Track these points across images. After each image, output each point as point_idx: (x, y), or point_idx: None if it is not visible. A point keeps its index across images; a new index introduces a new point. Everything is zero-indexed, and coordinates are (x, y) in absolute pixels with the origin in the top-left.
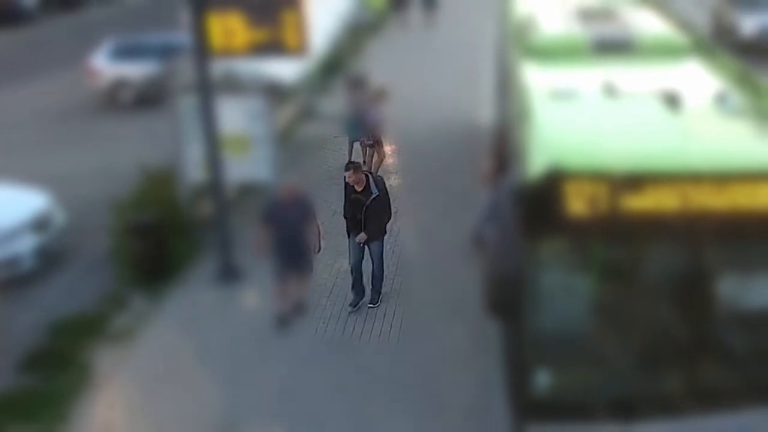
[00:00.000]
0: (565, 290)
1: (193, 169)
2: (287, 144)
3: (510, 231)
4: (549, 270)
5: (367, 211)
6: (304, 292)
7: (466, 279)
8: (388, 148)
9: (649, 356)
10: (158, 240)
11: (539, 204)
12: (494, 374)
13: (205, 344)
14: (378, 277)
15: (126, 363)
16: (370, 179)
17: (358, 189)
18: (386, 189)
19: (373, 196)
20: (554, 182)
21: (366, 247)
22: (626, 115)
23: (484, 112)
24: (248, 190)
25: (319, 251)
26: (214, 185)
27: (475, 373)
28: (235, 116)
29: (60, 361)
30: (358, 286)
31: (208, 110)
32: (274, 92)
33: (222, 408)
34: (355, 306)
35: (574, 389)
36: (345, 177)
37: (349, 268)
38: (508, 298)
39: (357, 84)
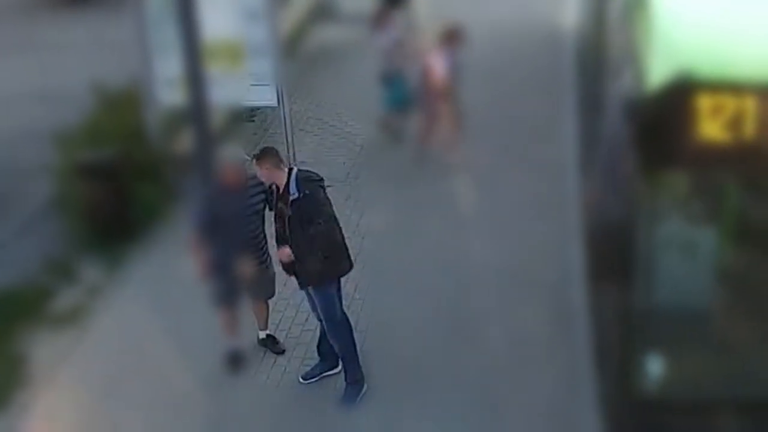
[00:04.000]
0: (692, 247)
1: (166, 89)
2: (295, 54)
3: (618, 164)
4: (671, 218)
5: (290, 229)
6: (265, 322)
7: (544, 239)
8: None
9: None
10: (118, 185)
11: (660, 126)
12: (580, 367)
13: (181, 327)
14: (345, 354)
15: (75, 353)
16: (292, 173)
17: (281, 191)
18: (316, 189)
19: (291, 199)
20: (681, 97)
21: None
22: None
23: (568, 13)
24: (241, 118)
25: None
26: (195, 111)
27: (553, 366)
28: (224, 15)
29: None
30: (321, 347)
31: (186, 7)
32: None
33: (201, 412)
34: (305, 379)
35: (698, 383)
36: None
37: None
38: (615, 257)
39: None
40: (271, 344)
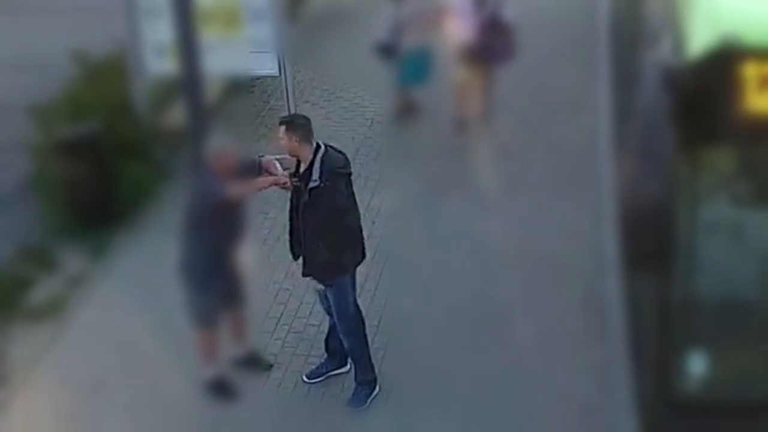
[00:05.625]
0: (739, 231)
1: (155, 57)
2: (299, 17)
3: (657, 140)
4: (716, 199)
5: (304, 213)
6: (243, 338)
7: (575, 222)
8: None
9: None
10: (102, 163)
11: (702, 98)
12: (615, 364)
13: (172, 321)
14: (356, 351)
15: (54, 350)
16: (319, 152)
17: (301, 169)
18: (338, 176)
19: (312, 185)
20: (725, 66)
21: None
22: None
23: None
24: (238, 89)
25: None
26: (188, 81)
27: (585, 363)
28: None
29: None
30: (330, 343)
31: None
32: None
33: (194, 415)
34: (310, 378)
35: (746, 383)
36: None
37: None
38: (654, 243)
39: None
40: (254, 363)
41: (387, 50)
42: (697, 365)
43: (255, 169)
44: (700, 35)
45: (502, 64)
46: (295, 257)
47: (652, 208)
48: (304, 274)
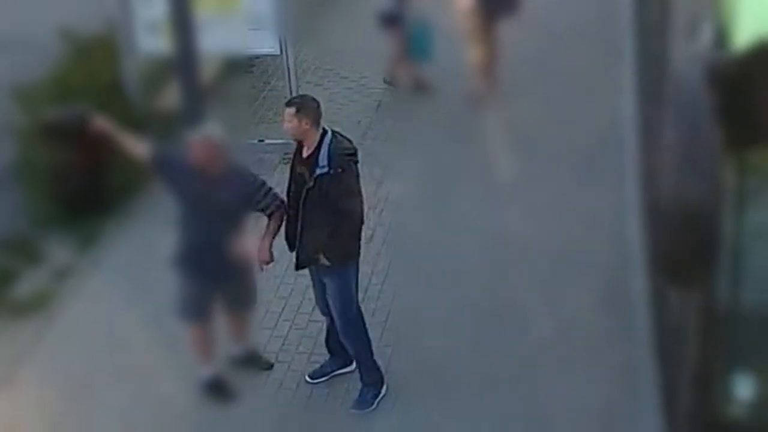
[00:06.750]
0: None
1: (148, 34)
2: None
3: (694, 135)
4: (764, 202)
5: (306, 201)
6: (243, 337)
7: (596, 213)
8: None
9: None
10: (91, 148)
11: (750, 93)
12: (638, 365)
13: (164, 316)
14: (361, 354)
15: (40, 347)
16: (326, 138)
17: (305, 154)
18: (349, 163)
19: (319, 172)
20: None
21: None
22: None
23: None
24: (236, 69)
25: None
26: (182, 61)
27: (606, 362)
28: None
29: None
30: (330, 342)
31: None
32: None
33: (189, 416)
34: (313, 378)
35: None
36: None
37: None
38: (691, 248)
39: None
40: (253, 362)
41: (390, 19)
42: (742, 385)
43: (251, 182)
44: (745, 26)
45: (510, 16)
46: (292, 249)
47: (692, 211)
48: (298, 266)
